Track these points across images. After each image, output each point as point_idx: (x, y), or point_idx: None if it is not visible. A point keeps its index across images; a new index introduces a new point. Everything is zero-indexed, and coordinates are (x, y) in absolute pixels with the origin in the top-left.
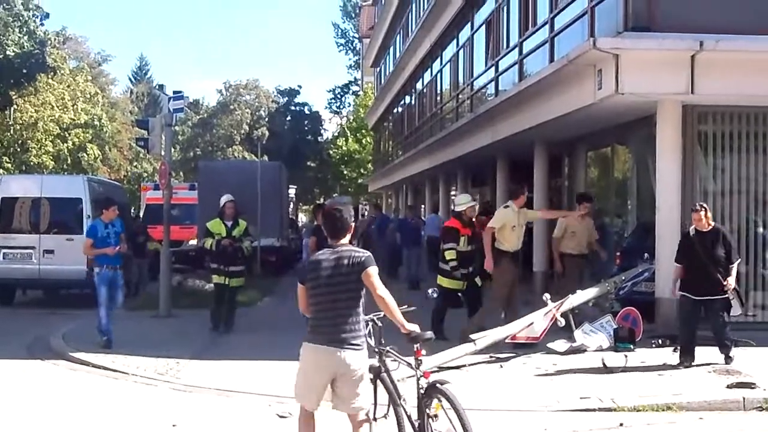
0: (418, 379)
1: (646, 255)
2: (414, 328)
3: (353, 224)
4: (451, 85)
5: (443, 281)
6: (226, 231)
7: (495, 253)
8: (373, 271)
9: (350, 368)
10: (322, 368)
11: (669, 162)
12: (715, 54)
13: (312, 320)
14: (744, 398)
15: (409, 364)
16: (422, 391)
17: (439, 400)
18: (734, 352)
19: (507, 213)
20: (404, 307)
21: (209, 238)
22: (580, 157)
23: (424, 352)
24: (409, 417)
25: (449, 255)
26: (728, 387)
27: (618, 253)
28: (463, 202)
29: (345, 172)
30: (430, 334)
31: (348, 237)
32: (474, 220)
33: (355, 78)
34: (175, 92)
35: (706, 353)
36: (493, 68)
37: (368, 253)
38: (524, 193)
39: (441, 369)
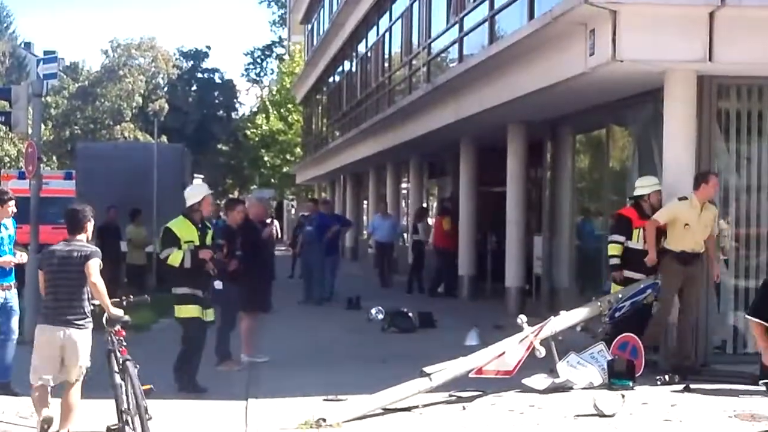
0: (116, 356)
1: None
2: (118, 312)
3: (91, 222)
4: (403, 48)
5: None
6: (199, 237)
7: (659, 252)
8: (93, 263)
9: (75, 345)
10: (53, 345)
11: (680, 148)
12: (740, 11)
13: (44, 303)
14: None
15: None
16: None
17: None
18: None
19: (679, 207)
20: (132, 298)
21: (175, 249)
22: (566, 141)
23: (124, 333)
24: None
25: (613, 250)
26: None
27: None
28: (646, 184)
29: (266, 158)
30: (126, 318)
31: (85, 234)
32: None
33: (280, 38)
34: (46, 53)
35: (724, 392)
36: (457, 27)
37: (95, 248)
38: (709, 181)
39: (387, 411)
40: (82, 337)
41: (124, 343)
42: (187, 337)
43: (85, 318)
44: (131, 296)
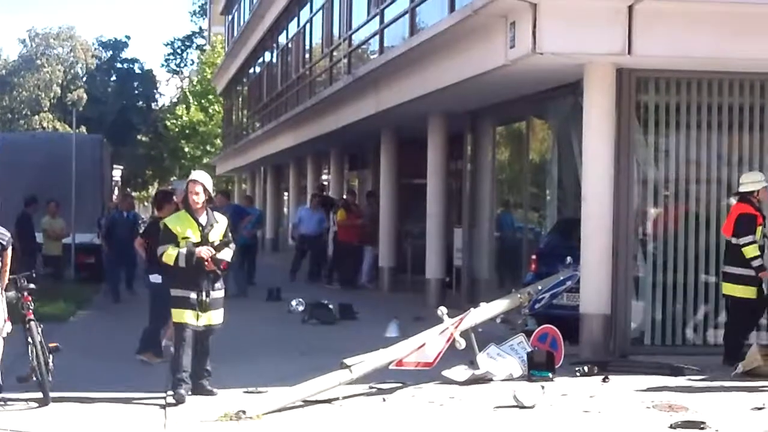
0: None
1: (568, 259)
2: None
3: None
4: (324, 39)
5: (735, 289)
6: (200, 232)
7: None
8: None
9: None
10: None
11: (599, 141)
12: (658, 4)
13: None
14: None
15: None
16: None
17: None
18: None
19: None
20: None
21: (170, 246)
22: (486, 133)
23: (30, 298)
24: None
25: (752, 251)
26: (672, 427)
27: (533, 257)
28: (754, 180)
29: (186, 149)
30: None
31: None
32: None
33: (200, 28)
34: None
35: (642, 382)
36: (377, 18)
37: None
38: None
39: (307, 403)
40: None
41: (30, 307)
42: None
43: None
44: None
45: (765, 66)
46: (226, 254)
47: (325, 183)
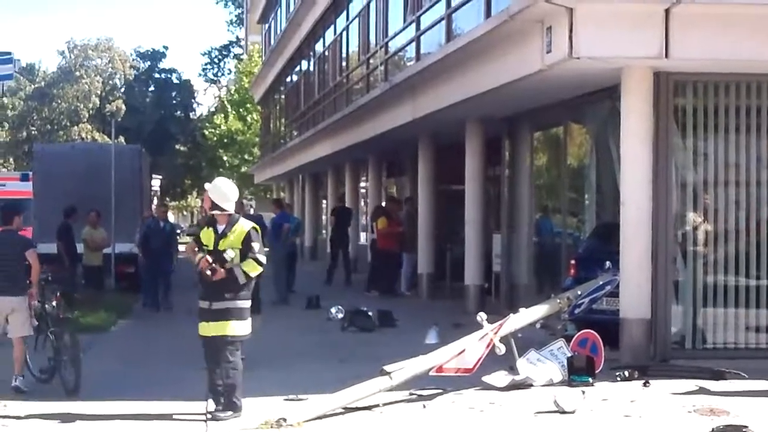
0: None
1: (608, 263)
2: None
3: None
4: (361, 47)
5: None
6: (214, 241)
7: None
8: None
9: (15, 308)
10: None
11: (637, 145)
12: (696, 7)
13: None
14: None
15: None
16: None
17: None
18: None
19: None
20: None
21: (198, 255)
22: (524, 138)
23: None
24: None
25: None
26: (713, 431)
27: (573, 261)
28: None
29: (225, 158)
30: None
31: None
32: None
33: (237, 38)
34: (1, 54)
35: (683, 387)
36: (414, 25)
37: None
38: None
39: (348, 410)
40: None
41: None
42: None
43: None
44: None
45: None
46: (251, 264)
47: (344, 193)
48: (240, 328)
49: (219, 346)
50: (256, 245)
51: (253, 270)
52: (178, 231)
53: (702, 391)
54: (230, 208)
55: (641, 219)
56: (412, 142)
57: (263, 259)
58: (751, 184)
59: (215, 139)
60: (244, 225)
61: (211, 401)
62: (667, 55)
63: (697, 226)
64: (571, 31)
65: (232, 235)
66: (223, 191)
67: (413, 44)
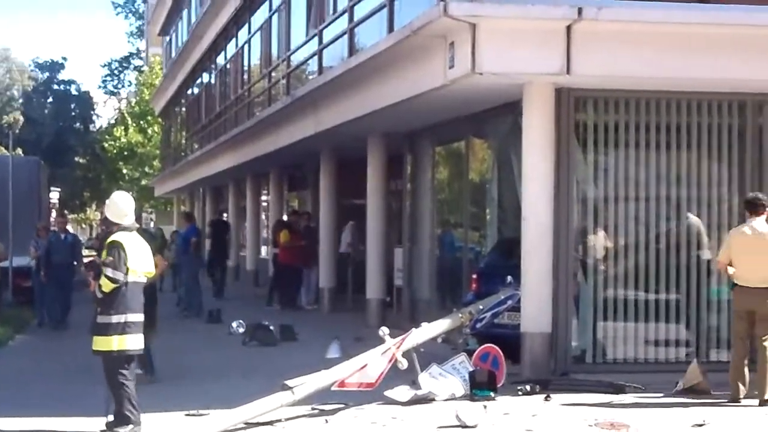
0: None
1: (509, 278)
2: None
3: None
4: (263, 60)
5: None
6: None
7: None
8: None
9: None
10: None
11: (538, 160)
12: (597, 24)
13: None
14: None
15: None
16: None
17: None
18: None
19: (732, 234)
20: None
21: None
22: (426, 153)
23: None
24: None
25: None
26: None
27: (474, 276)
28: None
29: (124, 171)
30: None
31: None
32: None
33: (138, 49)
34: None
35: (584, 400)
36: (316, 39)
37: None
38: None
39: (249, 425)
40: None
41: None
42: None
43: None
44: None
45: (699, 85)
46: (102, 279)
47: (224, 208)
48: (100, 343)
49: (101, 360)
50: (108, 259)
51: (105, 285)
52: (82, 244)
53: (602, 404)
54: (128, 222)
55: (542, 234)
56: (315, 155)
57: (111, 274)
58: (651, 199)
59: (115, 151)
60: (112, 238)
61: (111, 416)
62: (568, 72)
63: (598, 241)
64: (473, 46)
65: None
66: (120, 207)
67: (315, 58)
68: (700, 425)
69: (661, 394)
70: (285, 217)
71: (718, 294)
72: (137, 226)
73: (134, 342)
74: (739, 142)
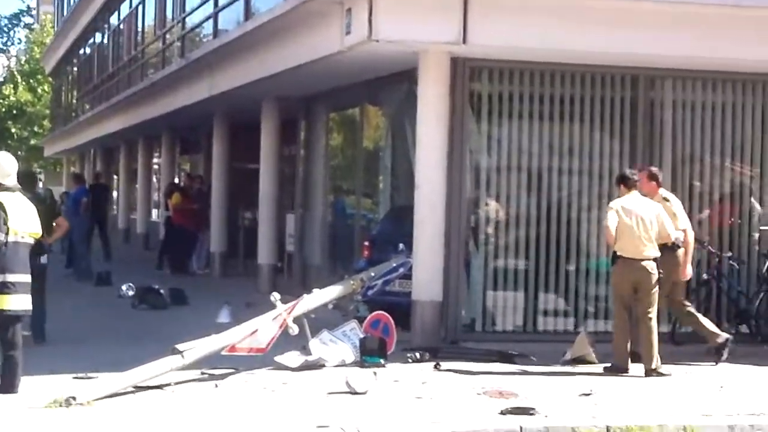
0: None
1: (401, 245)
2: None
3: None
4: (157, 21)
5: None
6: None
7: None
8: None
9: None
10: None
11: (433, 129)
12: None
13: None
14: (521, 427)
15: None
16: None
17: None
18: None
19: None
20: None
21: None
22: (320, 119)
23: None
24: None
25: None
26: (502, 413)
27: (366, 243)
28: None
29: (13, 130)
30: None
31: None
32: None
33: (28, 6)
34: None
35: (473, 369)
36: (212, 2)
37: None
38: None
39: (139, 389)
40: None
41: None
42: None
43: None
44: None
45: (593, 58)
46: None
47: (100, 171)
48: None
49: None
50: None
51: None
52: None
53: (491, 373)
54: (11, 182)
55: (435, 202)
56: (208, 119)
57: None
58: (543, 170)
59: (3, 110)
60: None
61: None
62: (464, 41)
63: (490, 211)
64: (370, 13)
65: None
66: (2, 167)
67: (211, 21)
68: (587, 395)
69: (550, 364)
70: (177, 180)
71: (607, 266)
72: (20, 187)
73: (15, 303)
74: (631, 116)
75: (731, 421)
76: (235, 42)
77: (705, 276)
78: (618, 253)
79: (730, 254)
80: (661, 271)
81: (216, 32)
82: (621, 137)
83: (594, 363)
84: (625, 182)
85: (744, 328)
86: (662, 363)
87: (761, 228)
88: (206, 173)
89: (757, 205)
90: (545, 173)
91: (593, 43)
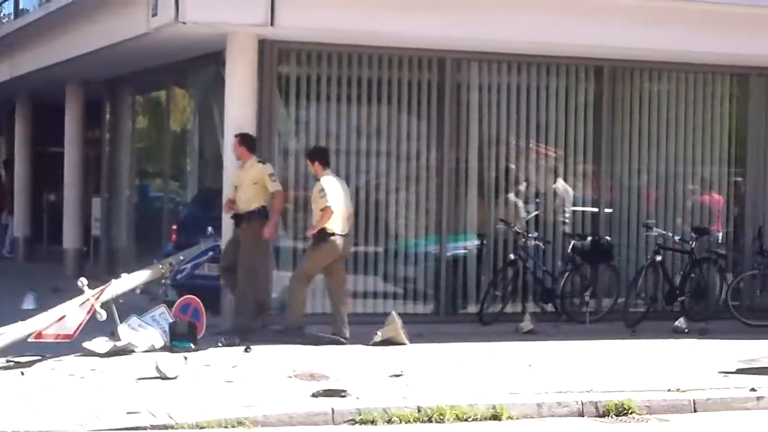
0: None
1: (210, 229)
2: None
3: None
4: None
5: None
6: None
7: None
8: None
9: None
10: None
11: (240, 111)
12: None
13: None
14: (333, 410)
15: None
16: None
17: None
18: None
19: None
20: None
21: None
22: (125, 101)
23: None
24: None
25: None
26: (313, 396)
27: (174, 227)
28: None
29: None
30: None
31: None
32: None
33: None
34: None
35: (284, 352)
36: None
37: None
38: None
39: None
40: None
41: None
42: None
43: None
44: None
45: (399, 41)
46: None
47: None
48: None
49: None
50: None
51: None
52: None
53: (302, 356)
54: None
55: None
56: (10, 101)
57: None
58: (351, 152)
59: None
60: None
61: None
62: (272, 24)
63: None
64: None
65: None
66: None
67: (12, 2)
68: (398, 375)
69: (361, 346)
70: None
71: (415, 247)
72: None
73: None
74: (438, 98)
75: (539, 399)
76: (36, 23)
77: (512, 256)
78: (332, 230)
79: (536, 234)
80: None
81: (18, 12)
82: (428, 119)
83: (404, 344)
84: (322, 157)
85: (550, 307)
86: (470, 342)
87: (565, 209)
88: (8, 156)
89: (561, 185)
90: (353, 156)
91: (398, 25)
